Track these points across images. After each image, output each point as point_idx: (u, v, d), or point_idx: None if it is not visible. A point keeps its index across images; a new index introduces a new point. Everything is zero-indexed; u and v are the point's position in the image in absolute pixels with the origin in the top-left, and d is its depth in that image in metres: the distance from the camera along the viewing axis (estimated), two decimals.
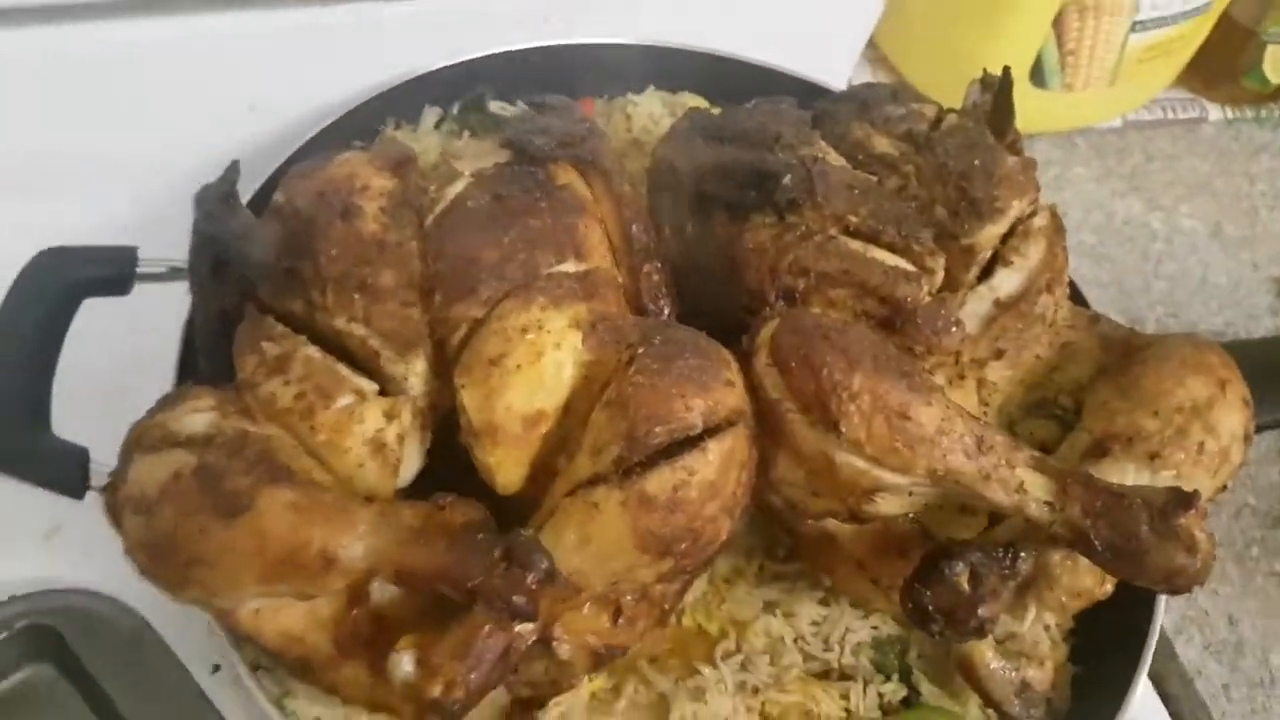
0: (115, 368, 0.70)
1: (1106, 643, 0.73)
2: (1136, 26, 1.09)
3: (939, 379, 0.63)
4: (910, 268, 0.64)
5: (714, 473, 0.53)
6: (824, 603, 0.71)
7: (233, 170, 0.65)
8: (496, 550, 0.49)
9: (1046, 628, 0.72)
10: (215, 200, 0.65)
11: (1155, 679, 0.86)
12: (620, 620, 0.58)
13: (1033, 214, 0.69)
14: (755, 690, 0.66)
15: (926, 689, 0.69)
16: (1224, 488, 0.64)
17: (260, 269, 0.62)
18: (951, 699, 0.70)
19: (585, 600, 0.56)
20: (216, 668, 0.70)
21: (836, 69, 1.15)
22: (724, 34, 0.98)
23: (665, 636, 0.68)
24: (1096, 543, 0.55)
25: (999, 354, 0.67)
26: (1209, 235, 1.18)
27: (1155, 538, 0.54)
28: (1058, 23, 1.07)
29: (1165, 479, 0.60)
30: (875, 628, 0.71)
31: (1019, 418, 0.68)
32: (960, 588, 0.57)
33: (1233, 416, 0.62)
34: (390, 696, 0.54)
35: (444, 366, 0.59)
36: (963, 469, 0.56)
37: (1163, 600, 0.72)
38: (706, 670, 0.66)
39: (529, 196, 0.64)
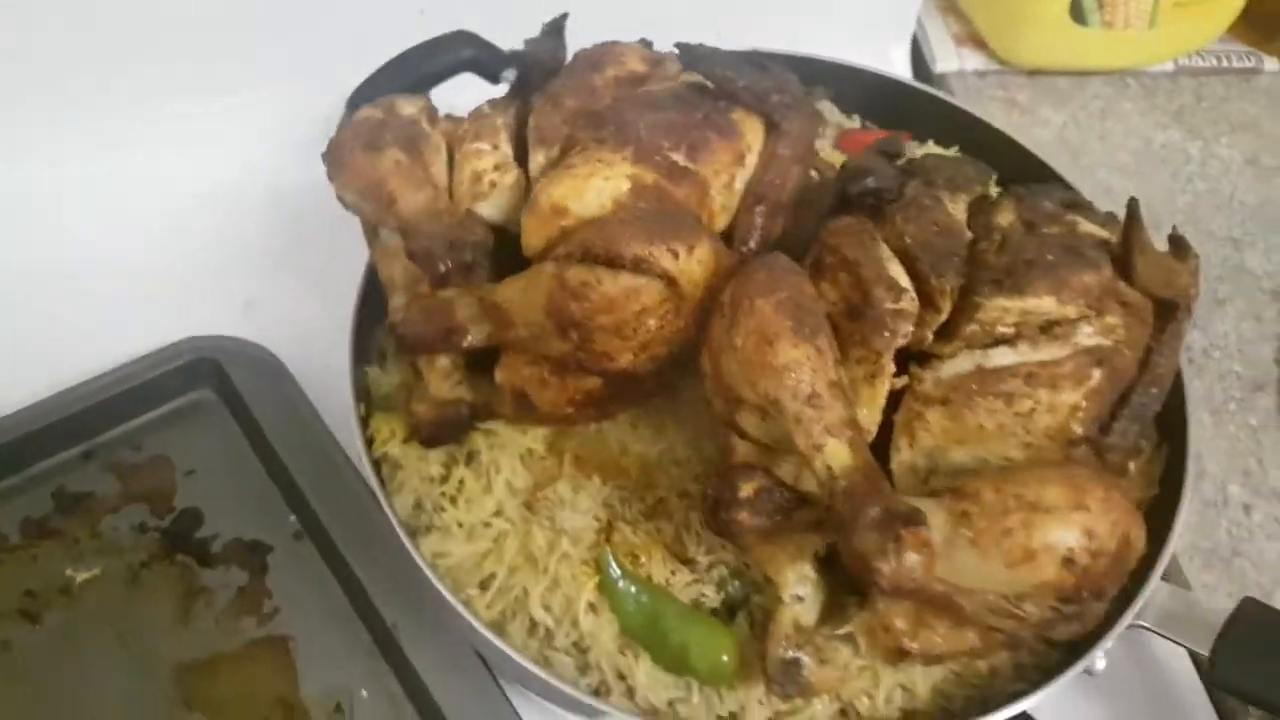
0: None
1: None
2: None
3: (859, 370, 0.72)
4: (906, 287, 0.73)
5: (616, 292, 0.70)
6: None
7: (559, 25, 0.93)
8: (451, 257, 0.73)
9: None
10: (543, 33, 0.94)
11: None
12: (534, 373, 0.77)
13: (1085, 326, 0.73)
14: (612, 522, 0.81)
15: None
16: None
17: (534, 77, 0.90)
18: None
19: (513, 337, 0.76)
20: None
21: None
22: None
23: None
24: (833, 509, 0.63)
25: (945, 401, 0.73)
26: (1244, 163, 1.27)
27: (868, 528, 0.61)
28: None
29: (962, 538, 0.64)
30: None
31: (944, 471, 0.73)
32: (734, 488, 0.68)
33: (1062, 535, 0.63)
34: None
35: None
36: (785, 405, 0.66)
37: None
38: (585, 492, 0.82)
39: (696, 103, 0.83)
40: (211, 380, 1.02)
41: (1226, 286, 1.16)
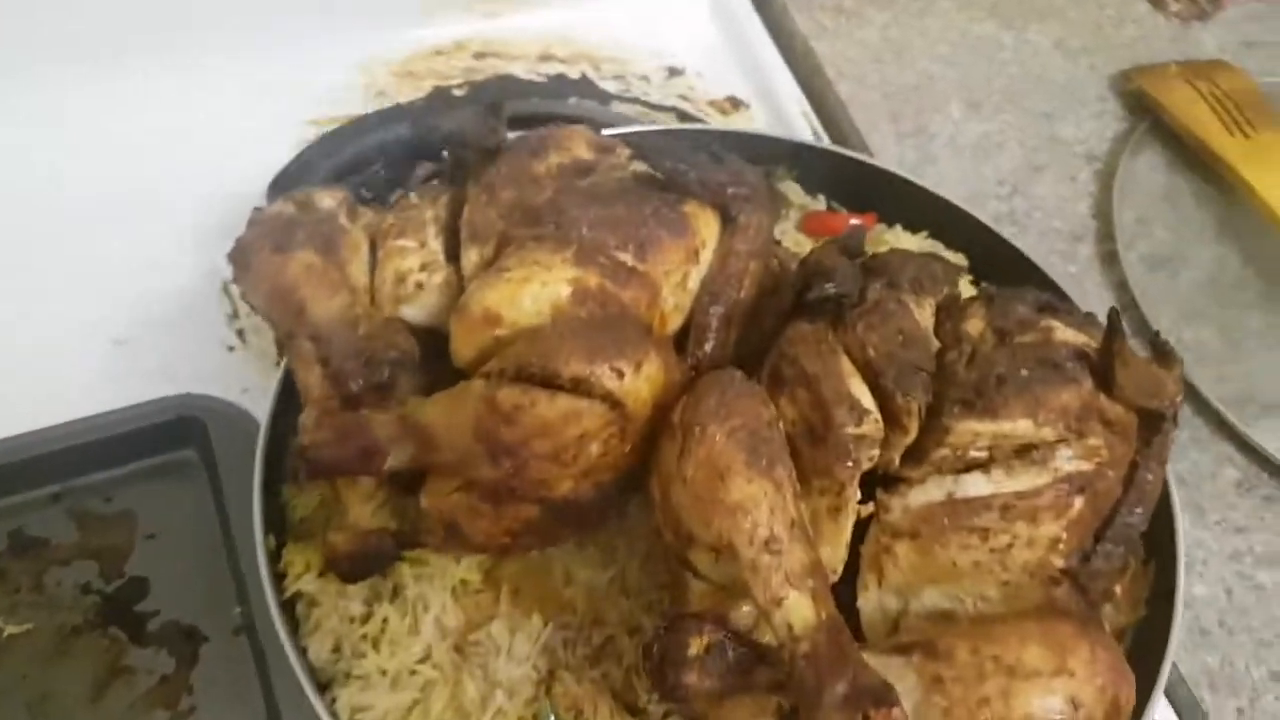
0: None
1: None
2: None
3: (821, 501, 0.65)
4: (870, 408, 0.67)
5: (553, 416, 0.63)
6: None
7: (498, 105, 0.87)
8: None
9: None
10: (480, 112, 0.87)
11: None
12: (463, 500, 0.69)
13: (1064, 449, 0.67)
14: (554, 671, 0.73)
15: None
16: None
17: (469, 161, 0.83)
18: None
19: (439, 460, 0.68)
20: None
21: None
22: None
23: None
24: (793, 676, 0.56)
25: (914, 534, 0.66)
26: (1053, 46, 1.39)
27: (833, 707, 0.54)
28: None
29: (935, 707, 0.57)
30: None
31: (915, 612, 0.66)
32: (682, 644, 0.60)
33: (1045, 704, 0.56)
34: None
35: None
36: (740, 550, 0.59)
37: None
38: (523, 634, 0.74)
39: (645, 196, 0.77)
40: (196, 442, 0.94)
41: (1043, 155, 1.25)
